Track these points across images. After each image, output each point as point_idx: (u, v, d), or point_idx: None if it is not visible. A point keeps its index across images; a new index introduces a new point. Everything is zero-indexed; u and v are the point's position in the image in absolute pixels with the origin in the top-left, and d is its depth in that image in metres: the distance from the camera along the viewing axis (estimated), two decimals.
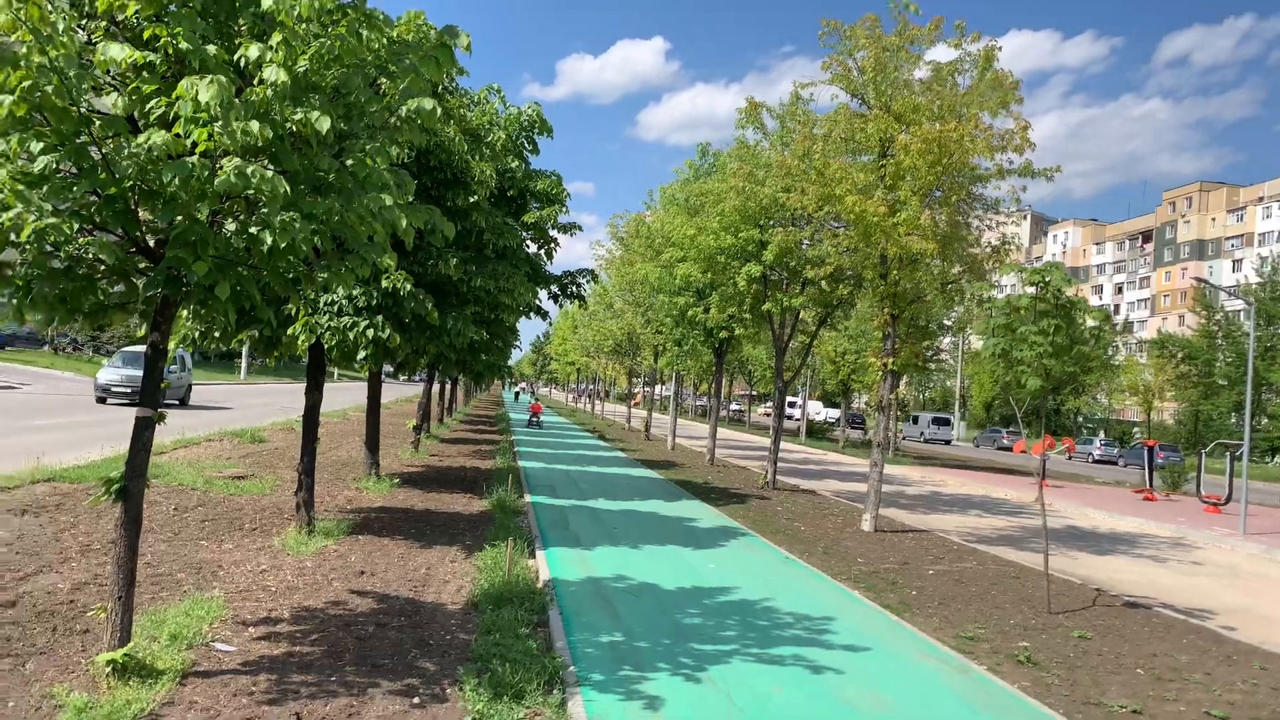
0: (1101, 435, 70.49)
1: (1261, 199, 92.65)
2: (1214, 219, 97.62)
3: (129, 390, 27.94)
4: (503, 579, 9.37)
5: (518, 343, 26.41)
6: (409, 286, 10.27)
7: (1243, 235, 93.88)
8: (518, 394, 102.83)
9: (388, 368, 16.52)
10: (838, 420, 59.82)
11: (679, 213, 21.76)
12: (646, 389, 63.82)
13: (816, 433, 57.85)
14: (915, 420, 66.22)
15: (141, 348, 6.56)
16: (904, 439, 55.35)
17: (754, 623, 9.00)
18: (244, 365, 66.82)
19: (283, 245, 4.77)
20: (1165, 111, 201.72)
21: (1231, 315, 65.77)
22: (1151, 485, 29.42)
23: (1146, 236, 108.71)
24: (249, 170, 4.54)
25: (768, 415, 74.47)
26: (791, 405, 66.54)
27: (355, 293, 10.33)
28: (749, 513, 17.51)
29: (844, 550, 13.98)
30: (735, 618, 9.13)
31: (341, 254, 5.90)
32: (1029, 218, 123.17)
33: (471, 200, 11.57)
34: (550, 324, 23.01)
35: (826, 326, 22.95)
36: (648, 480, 22.83)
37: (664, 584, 10.44)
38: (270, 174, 4.61)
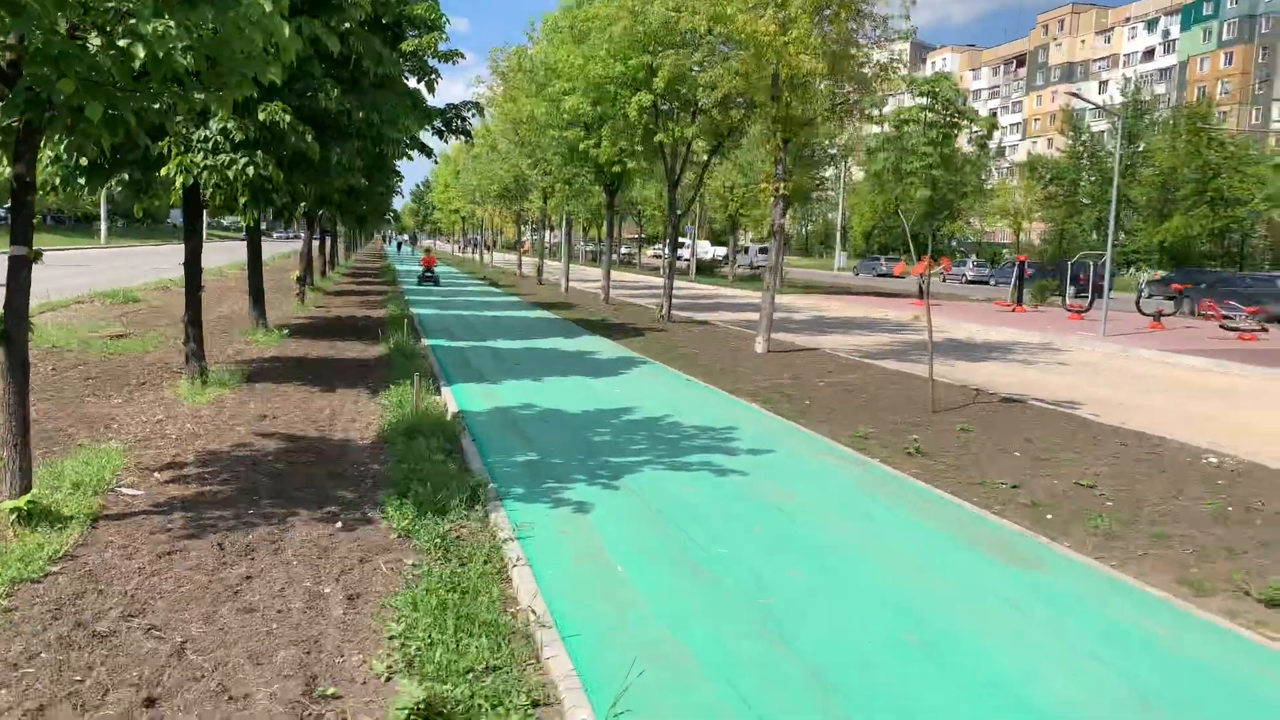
0: (974, 257, 73.40)
1: (1128, 19, 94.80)
2: (1083, 41, 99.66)
3: None
4: (411, 413, 9.38)
5: (399, 190, 25.48)
6: (288, 118, 9.68)
7: (1109, 57, 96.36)
8: (400, 245, 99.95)
9: (265, 224, 15.79)
10: (726, 257, 60.55)
11: (565, 42, 20.92)
12: (535, 235, 62.98)
13: (706, 270, 58.55)
14: (746, 251, 68.46)
15: None
16: (739, 267, 56.36)
17: (661, 436, 9.33)
18: (104, 229, 62.65)
19: (160, 56, 4.39)
20: None
21: (1097, 135, 68.09)
22: (1021, 299, 31.08)
23: (1020, 61, 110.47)
24: None
25: (657, 258, 74.80)
26: (680, 245, 66.97)
27: (230, 126, 9.68)
28: (647, 344, 17.83)
29: (740, 370, 14.45)
30: (643, 433, 9.44)
31: (218, 73, 5.49)
32: (909, 44, 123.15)
33: (346, 26, 10.83)
34: (435, 164, 22.11)
35: (717, 157, 22.81)
36: (545, 320, 22.87)
37: (571, 409, 10.65)
38: None
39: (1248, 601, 5.50)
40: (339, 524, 6.15)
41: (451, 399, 11.00)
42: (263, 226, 17.30)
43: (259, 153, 10.03)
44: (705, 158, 22.90)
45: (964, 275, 59.90)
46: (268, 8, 4.89)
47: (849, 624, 4.94)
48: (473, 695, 3.87)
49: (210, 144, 9.90)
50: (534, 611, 4.74)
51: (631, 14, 17.33)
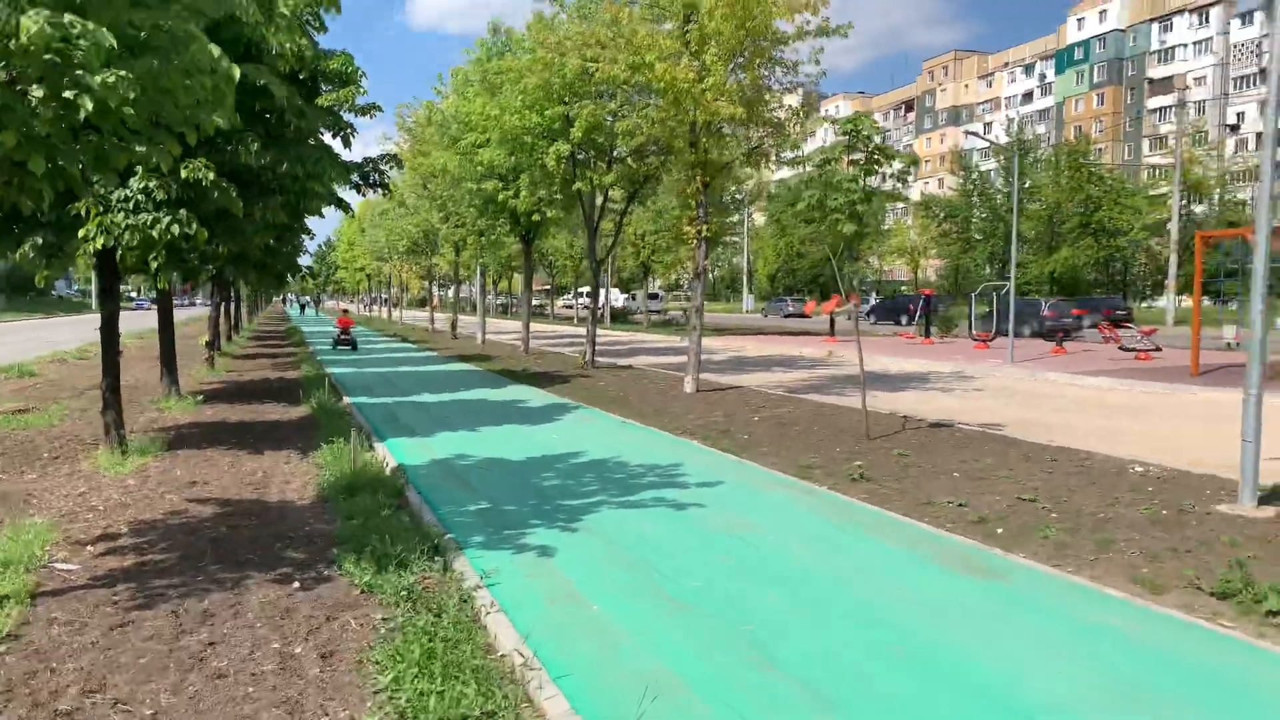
0: (875, 296, 75.67)
1: (1007, 64, 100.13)
2: (967, 85, 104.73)
3: None
4: (348, 470, 9.12)
5: (306, 249, 24.93)
6: (211, 175, 9.44)
7: (992, 100, 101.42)
8: (302, 306, 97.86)
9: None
10: (638, 303, 61.04)
11: (478, 94, 21.00)
12: (443, 291, 62.39)
13: (618, 317, 58.88)
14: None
15: None
16: (652, 314, 56.49)
17: (610, 477, 9.28)
18: None
19: (114, 106, 4.25)
20: None
21: (985, 174, 71.28)
22: (929, 331, 32.10)
23: (909, 106, 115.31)
24: (66, 19, 3.98)
25: (568, 308, 74.89)
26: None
27: (151, 185, 9.38)
28: (576, 390, 17.78)
29: (673, 410, 14.52)
30: (590, 475, 9.38)
31: (161, 123, 5.34)
32: (801, 94, 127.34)
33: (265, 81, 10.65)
34: (348, 217, 21.59)
35: (634, 204, 23.08)
36: (467, 372, 22.62)
37: (512, 457, 10.52)
38: (91, 25, 4.07)
39: (1201, 596, 5.74)
40: (296, 584, 5.92)
41: (388, 454, 10.76)
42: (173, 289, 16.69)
43: (182, 211, 9.75)
44: (623, 205, 23.14)
45: (858, 313, 61.53)
46: (215, 53, 4.81)
47: (833, 642, 4.97)
48: None
49: (131, 203, 9.58)
50: (520, 654, 4.63)
51: (547, 66, 17.52)
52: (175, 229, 9.55)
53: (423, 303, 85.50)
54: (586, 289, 66.61)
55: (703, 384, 17.52)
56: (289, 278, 20.12)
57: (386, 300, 75.34)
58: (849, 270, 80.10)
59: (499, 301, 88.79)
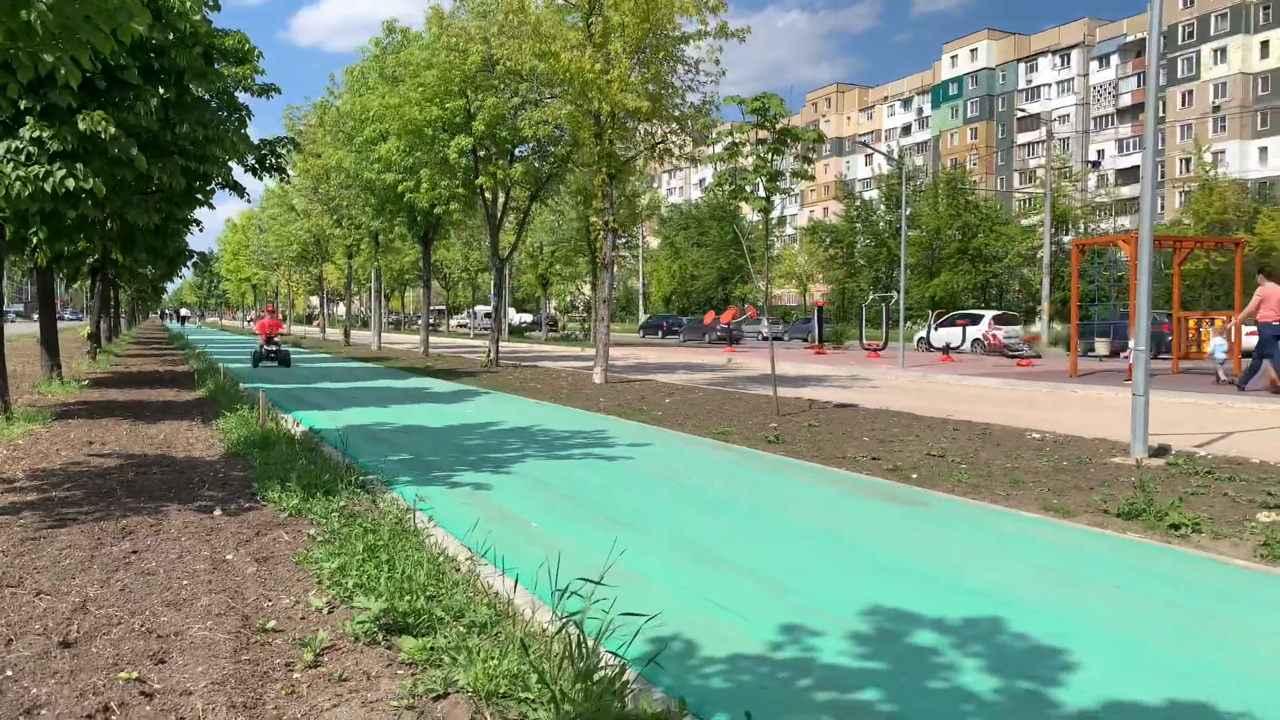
0: (766, 317, 77.26)
1: (886, 98, 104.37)
2: (849, 117, 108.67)
3: None
4: (257, 431, 8.80)
5: (191, 253, 23.87)
6: (111, 128, 9.02)
7: (873, 132, 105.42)
8: (183, 319, 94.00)
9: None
10: (536, 320, 60.73)
11: (377, 84, 20.70)
12: (332, 304, 60.84)
13: (516, 332, 58.47)
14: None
15: None
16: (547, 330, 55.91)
17: (535, 439, 9.23)
18: None
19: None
20: (804, 22, 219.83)
21: (868, 202, 73.94)
22: (821, 341, 33.02)
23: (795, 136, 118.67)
24: None
25: (462, 326, 73.81)
26: (488, 317, 65.96)
27: (44, 135, 8.89)
28: (483, 381, 17.59)
29: (586, 394, 14.53)
30: (515, 439, 9.31)
31: (69, 28, 5.09)
32: (702, 95, 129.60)
33: (170, 36, 10.28)
34: (225, 228, 20.87)
35: (537, 202, 23.06)
36: (368, 368, 22.09)
37: (431, 424, 10.36)
38: None
39: (1108, 517, 6.07)
40: (219, 511, 5.68)
41: (298, 423, 10.41)
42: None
43: (78, 165, 9.28)
44: (525, 204, 23.10)
45: (760, 333, 62.74)
46: None
47: (779, 549, 5.07)
48: (430, 610, 3.67)
49: (23, 154, 9.07)
50: (468, 549, 4.56)
51: (450, 50, 17.42)
52: (70, 183, 9.08)
53: (310, 319, 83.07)
54: (483, 308, 65.74)
55: (611, 379, 17.58)
56: (180, 268, 19.32)
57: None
58: (739, 295, 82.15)
59: (390, 319, 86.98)
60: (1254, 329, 14.96)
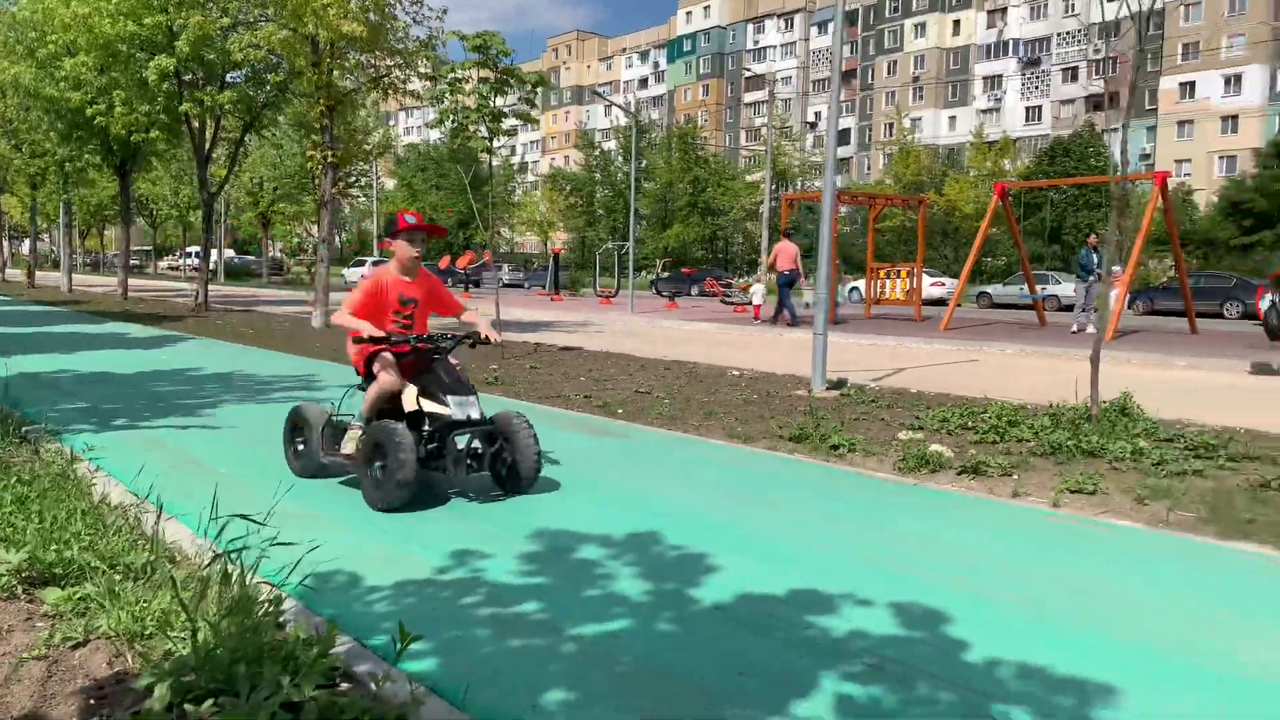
0: (506, 265, 77.10)
1: (625, 50, 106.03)
2: (589, 66, 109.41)
3: None
4: None
5: None
6: None
7: (612, 83, 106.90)
8: None
9: None
10: (258, 262, 56.95)
11: None
12: (15, 245, 53.81)
13: (235, 274, 54.57)
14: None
15: None
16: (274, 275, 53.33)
17: (237, 385, 8.80)
18: None
19: None
20: None
21: (607, 153, 75.19)
22: (558, 288, 33.50)
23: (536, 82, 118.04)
24: None
25: (173, 269, 67.87)
26: (198, 257, 61.02)
27: None
28: (188, 326, 16.36)
29: (301, 339, 13.93)
30: (214, 384, 8.80)
31: None
32: (428, 30, 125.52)
33: None
34: None
35: (254, 134, 21.47)
36: (55, 313, 19.85)
37: (120, 370, 9.53)
38: None
39: (782, 442, 6.71)
40: None
41: None
42: None
43: None
44: (238, 135, 21.43)
45: (500, 279, 62.55)
46: None
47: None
48: (83, 559, 3.45)
49: None
50: (135, 495, 4.31)
51: None
52: None
53: None
54: (195, 249, 60.61)
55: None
56: None
57: None
58: (479, 240, 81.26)
59: (88, 261, 78.19)
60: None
